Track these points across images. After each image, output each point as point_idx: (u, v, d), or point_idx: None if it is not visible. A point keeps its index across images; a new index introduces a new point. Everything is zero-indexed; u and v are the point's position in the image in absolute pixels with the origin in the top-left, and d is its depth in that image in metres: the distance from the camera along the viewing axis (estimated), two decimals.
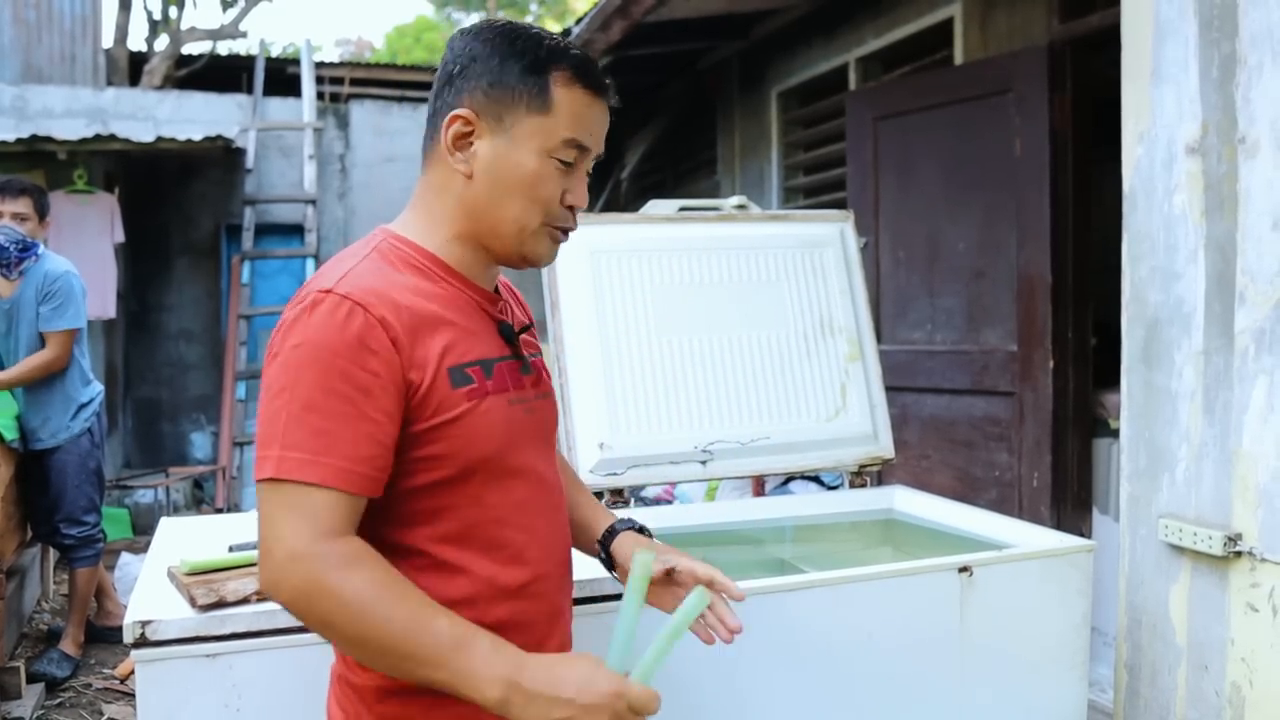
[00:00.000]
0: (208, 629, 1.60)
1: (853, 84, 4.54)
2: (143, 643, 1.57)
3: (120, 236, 6.44)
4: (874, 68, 4.52)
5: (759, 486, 3.98)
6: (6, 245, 3.53)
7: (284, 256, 7.94)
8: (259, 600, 1.65)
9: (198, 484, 7.56)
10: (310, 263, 7.76)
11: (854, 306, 2.86)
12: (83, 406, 3.73)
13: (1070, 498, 3.44)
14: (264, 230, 7.96)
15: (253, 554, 1.74)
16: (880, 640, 2.00)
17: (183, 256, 8.13)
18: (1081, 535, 3.40)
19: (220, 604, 1.61)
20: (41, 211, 3.69)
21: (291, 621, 1.63)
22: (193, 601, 1.61)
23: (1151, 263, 2.27)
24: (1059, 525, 3.36)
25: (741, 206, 2.87)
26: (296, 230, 8.04)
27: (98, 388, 3.83)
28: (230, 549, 1.78)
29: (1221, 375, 2.12)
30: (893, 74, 4.42)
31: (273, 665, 1.63)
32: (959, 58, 3.88)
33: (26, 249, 3.59)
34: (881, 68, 4.51)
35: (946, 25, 3.96)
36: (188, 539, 2.04)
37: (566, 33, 4.73)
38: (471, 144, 1.18)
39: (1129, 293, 2.34)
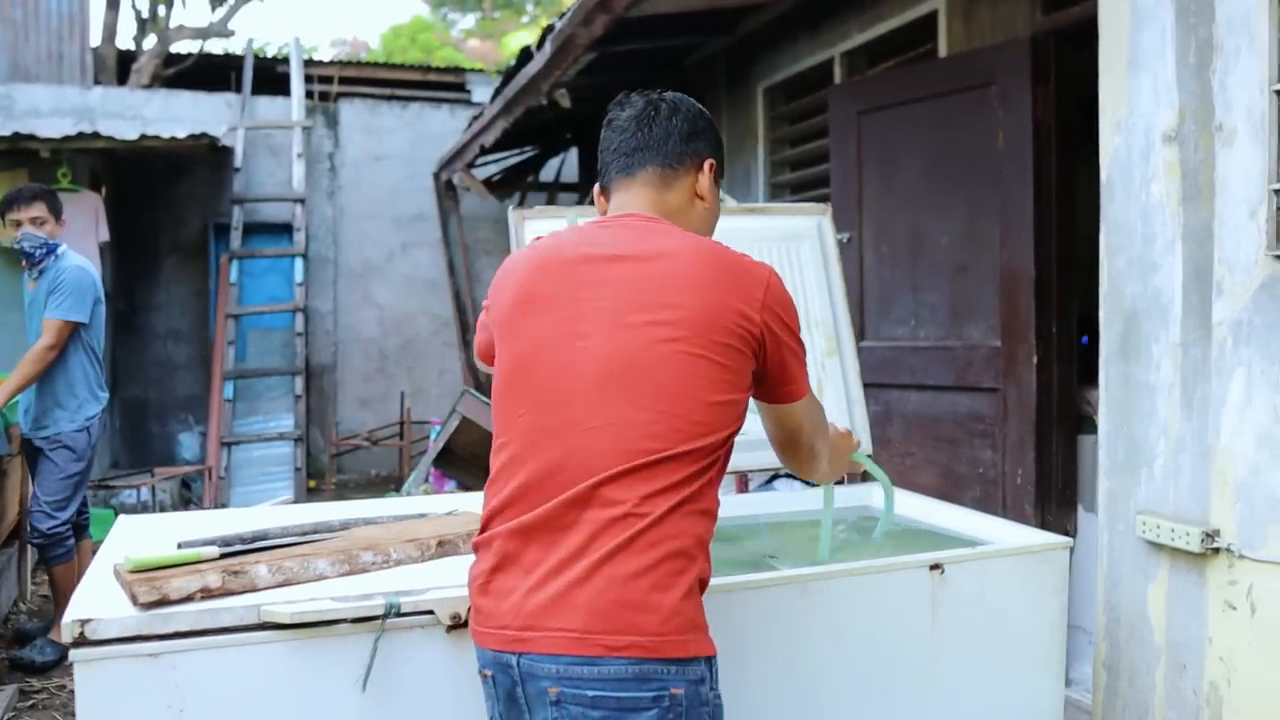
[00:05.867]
0: (150, 628, 1.55)
1: (838, 79, 4.50)
2: (82, 642, 1.52)
3: (105, 235, 6.39)
4: (859, 62, 4.48)
5: (742, 484, 3.94)
6: (32, 251, 3.79)
7: (272, 255, 7.90)
8: (204, 598, 1.60)
9: (185, 484, 7.51)
10: (299, 262, 7.72)
11: (831, 301, 2.81)
12: (89, 417, 3.87)
13: (1055, 495, 3.39)
14: (252, 229, 7.92)
15: (200, 551, 1.70)
16: (850, 638, 1.96)
17: (171, 256, 8.09)
18: (1066, 533, 3.36)
19: (163, 602, 1.57)
20: (56, 212, 3.88)
21: (238, 620, 1.61)
22: (134, 599, 1.56)
23: (1129, 254, 2.23)
24: (1043, 523, 3.32)
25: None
26: (285, 229, 8.00)
27: (104, 397, 3.98)
28: (179, 546, 1.74)
29: (1199, 368, 2.07)
30: (878, 69, 4.38)
31: (217, 665, 1.58)
32: (943, 51, 3.84)
33: (50, 250, 3.83)
34: (867, 62, 4.47)
35: (931, 19, 3.92)
36: (144, 537, 1.99)
37: (550, 29, 4.69)
38: (707, 183, 1.68)
39: (1107, 285, 2.30)
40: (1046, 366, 3.35)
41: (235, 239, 7.62)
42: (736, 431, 1.61)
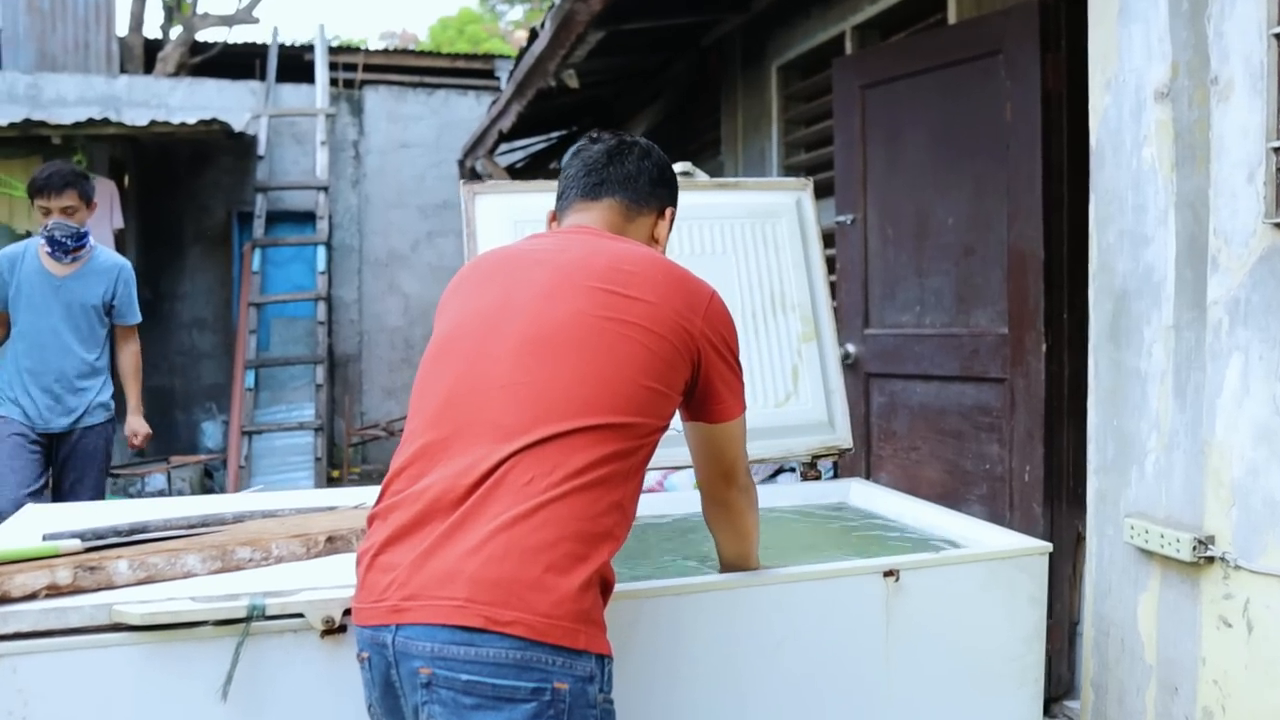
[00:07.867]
0: None
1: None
2: None
3: (119, 222, 6.39)
4: (871, 35, 4.24)
5: None
6: (64, 240, 3.71)
7: (295, 244, 7.85)
8: (50, 595, 1.47)
9: (208, 473, 7.52)
10: (321, 250, 7.67)
11: (810, 282, 2.61)
12: (111, 396, 3.87)
13: (1066, 493, 3.14)
14: (277, 218, 7.89)
15: (60, 544, 1.57)
16: (790, 653, 1.76)
17: (195, 244, 8.10)
18: (1077, 534, 3.11)
19: (3, 600, 1.44)
20: (87, 198, 3.80)
21: (87, 620, 1.47)
22: None
23: (1120, 226, 2.00)
24: (1052, 522, 3.08)
25: (686, 174, 2.63)
26: (309, 217, 7.95)
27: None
28: (44, 538, 1.61)
29: (1193, 353, 1.84)
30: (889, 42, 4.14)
31: (64, 668, 1.45)
32: (952, 20, 3.60)
33: (82, 238, 3.77)
34: (879, 35, 4.23)
35: None
36: (35, 529, 1.87)
37: (551, 6, 4.52)
38: (665, 229, 1.73)
39: (1096, 261, 2.07)
40: (1056, 355, 3.09)
41: (258, 227, 7.59)
42: (661, 430, 1.47)
